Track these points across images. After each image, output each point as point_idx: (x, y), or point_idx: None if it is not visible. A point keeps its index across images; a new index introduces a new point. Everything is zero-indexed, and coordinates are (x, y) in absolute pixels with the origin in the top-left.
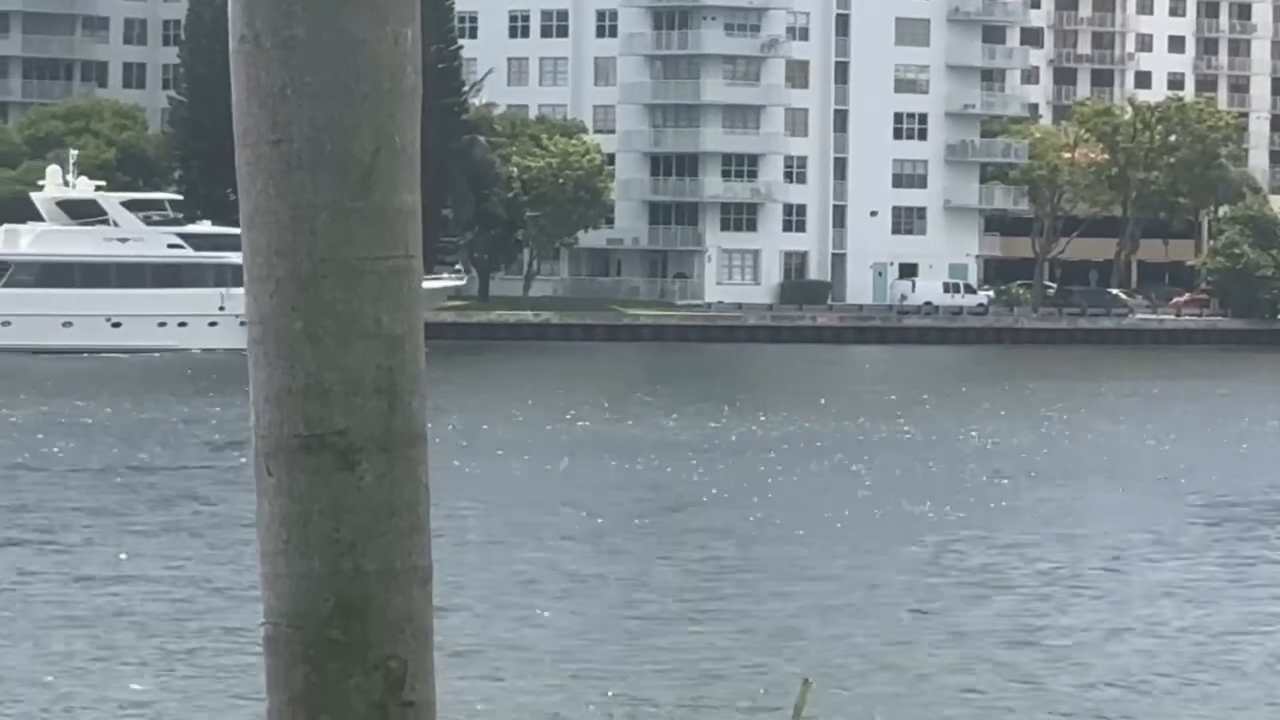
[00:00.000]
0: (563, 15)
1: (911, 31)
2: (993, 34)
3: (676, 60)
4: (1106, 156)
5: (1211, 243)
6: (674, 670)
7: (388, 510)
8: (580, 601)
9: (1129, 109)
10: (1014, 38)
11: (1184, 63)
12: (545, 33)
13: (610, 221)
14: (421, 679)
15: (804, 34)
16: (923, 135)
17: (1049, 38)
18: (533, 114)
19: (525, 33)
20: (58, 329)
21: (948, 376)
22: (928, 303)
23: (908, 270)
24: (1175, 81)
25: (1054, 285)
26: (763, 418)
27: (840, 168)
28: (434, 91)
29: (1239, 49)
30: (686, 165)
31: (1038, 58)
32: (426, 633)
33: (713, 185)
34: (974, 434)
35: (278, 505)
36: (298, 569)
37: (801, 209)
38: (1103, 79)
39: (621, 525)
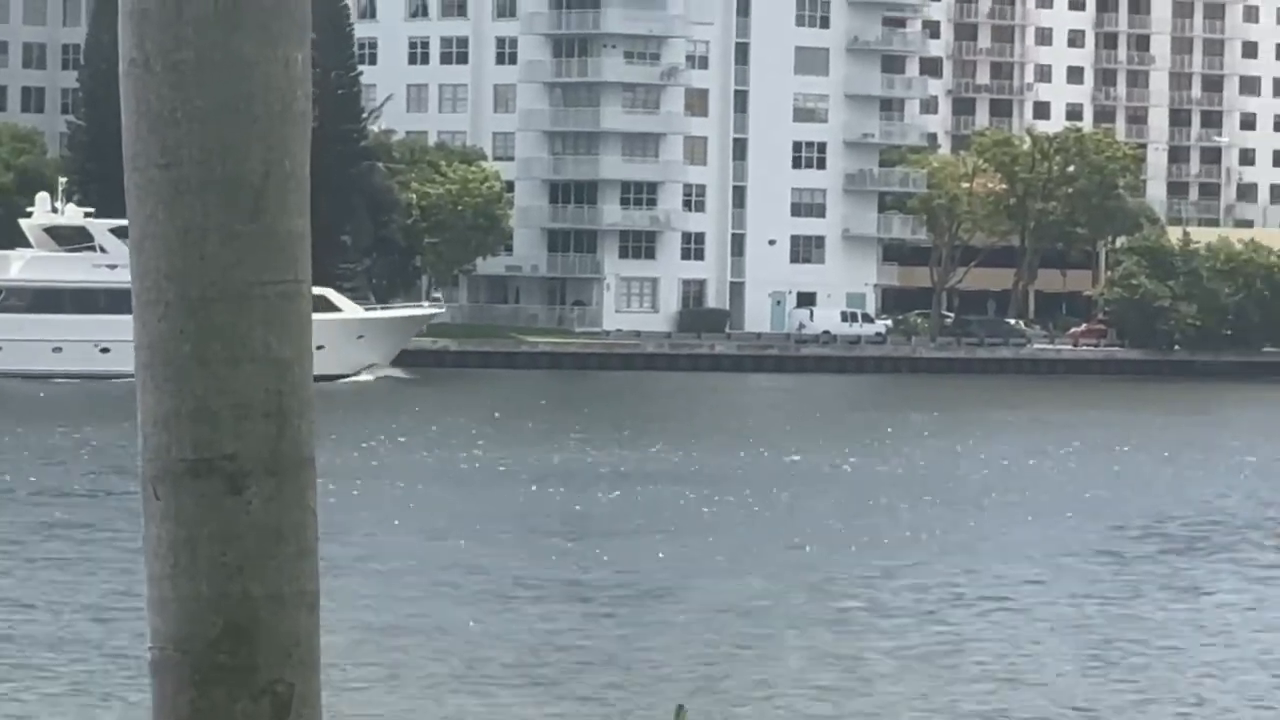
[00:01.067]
0: (463, 42)
1: (811, 61)
2: (892, 64)
3: (576, 88)
4: (1005, 186)
5: (1109, 273)
6: (554, 698)
7: (276, 535)
8: (461, 629)
9: (1027, 139)
10: (913, 68)
11: (1082, 94)
12: (445, 60)
13: (509, 249)
14: (308, 704)
15: (704, 62)
16: (821, 164)
17: (948, 68)
18: (432, 141)
19: (425, 59)
20: (48, 354)
21: (842, 405)
22: (825, 331)
23: (806, 299)
24: (1074, 112)
25: (951, 315)
26: (652, 447)
27: (739, 196)
28: (333, 117)
29: (1137, 80)
30: (585, 193)
31: (936, 87)
32: (314, 657)
33: (611, 213)
34: (852, 461)
35: (165, 529)
36: (185, 593)
37: (700, 237)
38: (1001, 109)
39: (500, 555)
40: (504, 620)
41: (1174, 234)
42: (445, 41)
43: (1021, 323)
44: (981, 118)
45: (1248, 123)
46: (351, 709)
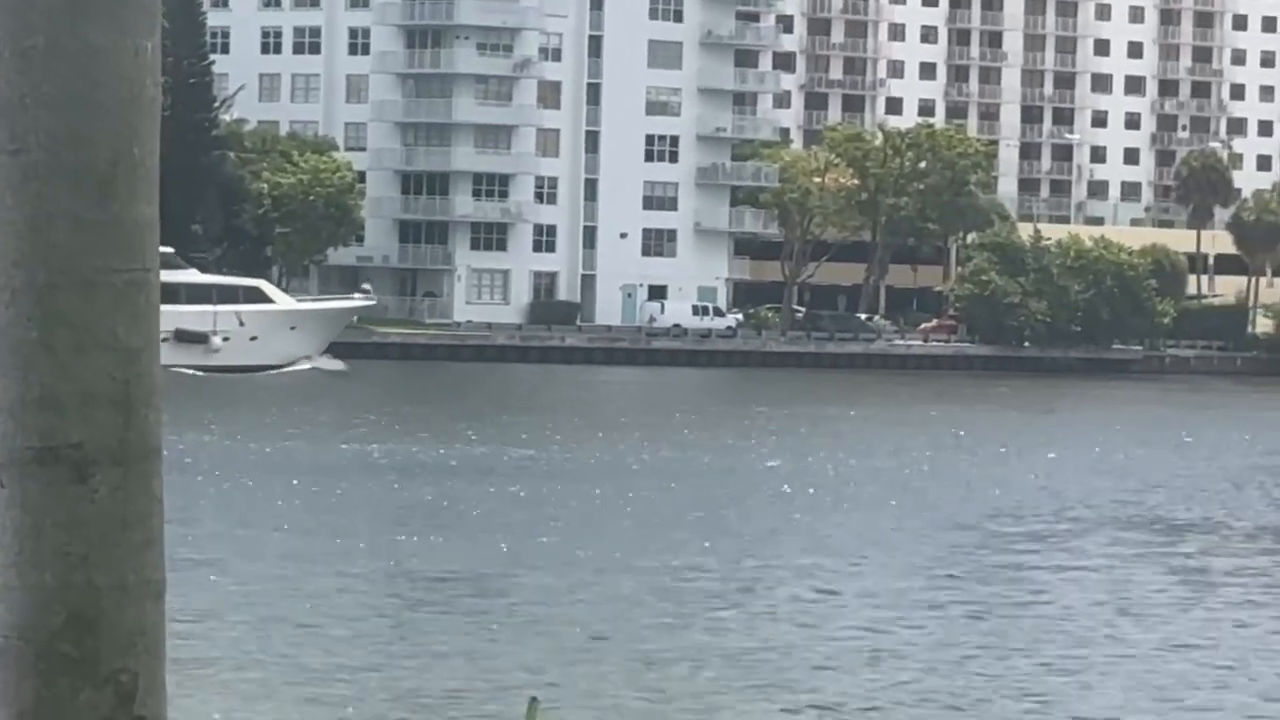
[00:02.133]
0: (315, 32)
1: (664, 54)
2: (745, 58)
3: (429, 79)
4: (856, 182)
5: (960, 269)
6: (403, 691)
7: (121, 524)
8: (303, 620)
9: (879, 135)
10: (766, 62)
11: (935, 89)
12: (298, 49)
13: (360, 239)
14: (153, 693)
15: (556, 55)
16: (674, 158)
17: (801, 63)
18: (284, 130)
19: (278, 49)
20: None
21: (691, 399)
22: (676, 325)
23: (657, 292)
24: (926, 108)
25: (802, 309)
26: (499, 440)
27: (591, 189)
28: (185, 106)
29: (989, 77)
30: (437, 184)
31: (789, 82)
32: (159, 647)
33: (463, 204)
34: (701, 456)
35: (10, 517)
36: (29, 581)
37: (552, 229)
38: (854, 104)
39: (337, 547)
40: (341, 615)
41: (1025, 230)
42: (298, 31)
43: (878, 317)
44: (834, 113)
45: (1099, 120)
46: (194, 700)
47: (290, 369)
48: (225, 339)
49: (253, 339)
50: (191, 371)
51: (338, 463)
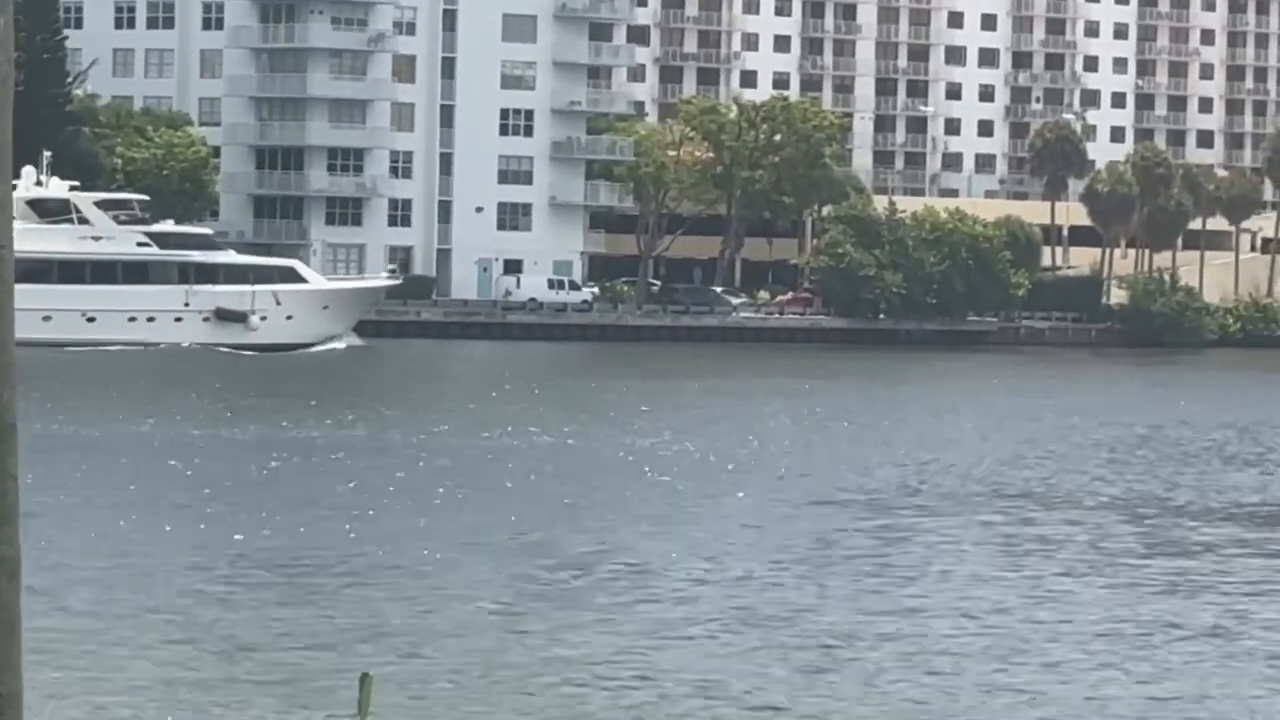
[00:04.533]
0: (169, 7)
1: (519, 28)
2: (600, 31)
3: (283, 54)
4: (711, 155)
5: (815, 242)
6: (249, 667)
7: None
8: (157, 597)
9: (734, 108)
10: (620, 35)
11: (789, 62)
12: (151, 24)
13: (215, 214)
14: (8, 669)
15: (411, 29)
16: (529, 131)
17: (655, 36)
18: (138, 105)
19: (131, 24)
20: (38, 323)
21: (548, 373)
22: (532, 299)
23: (512, 266)
24: (780, 81)
25: (658, 283)
26: (350, 419)
27: (446, 163)
28: (38, 82)
29: (844, 49)
30: (292, 159)
31: (644, 55)
32: (14, 624)
33: (318, 179)
34: (558, 432)
35: None
36: None
37: (407, 204)
38: (709, 77)
39: (178, 531)
40: (180, 595)
41: (880, 203)
42: (151, 6)
43: (744, 293)
44: (689, 86)
45: (953, 92)
46: (53, 673)
47: (323, 347)
48: (263, 318)
49: (288, 318)
50: (229, 350)
51: (201, 444)
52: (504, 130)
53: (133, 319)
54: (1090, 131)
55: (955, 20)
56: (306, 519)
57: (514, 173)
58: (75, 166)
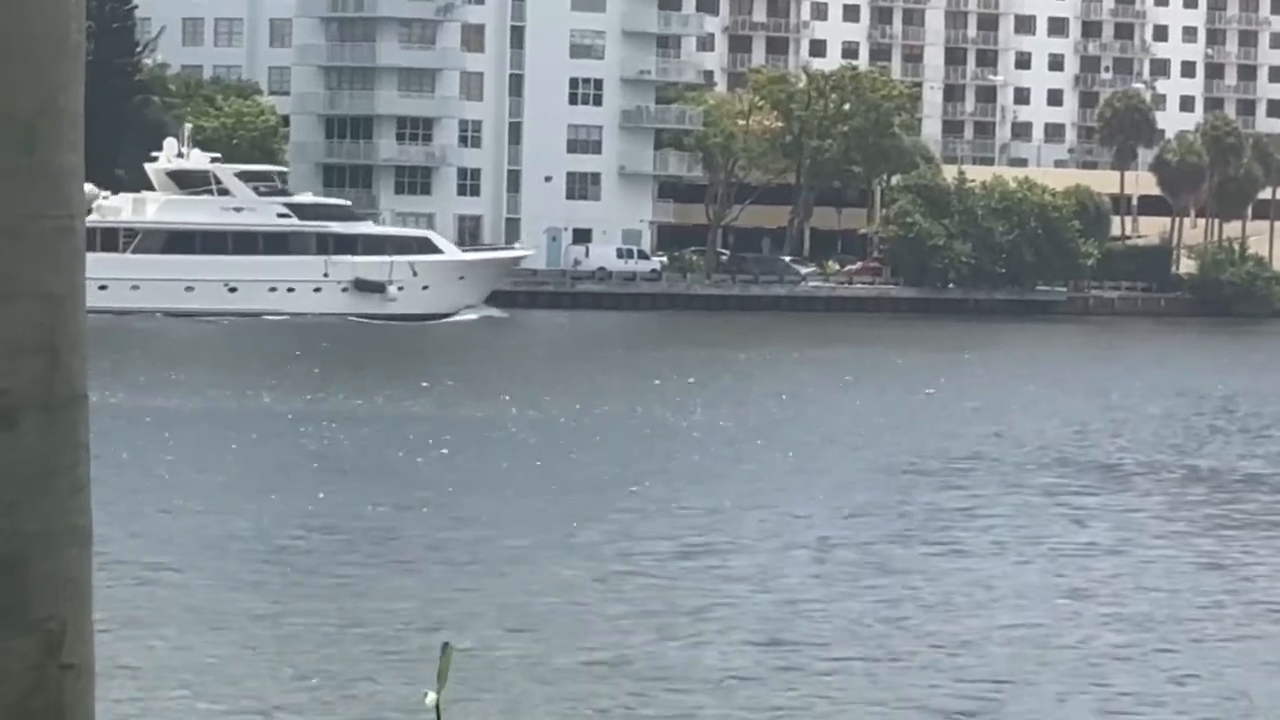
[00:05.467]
0: None
1: None
2: (669, 1)
3: (352, 23)
4: (780, 124)
5: (884, 211)
6: (325, 640)
7: (48, 470)
8: (234, 568)
9: (804, 77)
10: (690, 4)
11: (858, 31)
12: None
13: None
14: (80, 641)
15: None
16: (598, 101)
17: (725, 5)
18: (207, 75)
19: None
20: (181, 293)
21: (617, 343)
22: (601, 268)
23: (581, 236)
24: (850, 50)
25: (727, 252)
26: (419, 394)
27: (515, 132)
28: (107, 51)
29: (913, 18)
30: (361, 128)
31: (713, 25)
32: (86, 594)
33: (387, 148)
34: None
35: None
36: None
37: (476, 173)
38: (778, 47)
39: (263, 498)
40: (265, 562)
41: (949, 172)
42: None
43: (816, 263)
44: (758, 55)
45: (1023, 62)
46: (125, 644)
47: (458, 318)
48: (400, 288)
49: (425, 288)
50: (366, 320)
51: (283, 416)
52: (573, 99)
53: (273, 289)
54: (1160, 101)
55: None
56: (392, 490)
57: (583, 142)
58: (144, 136)
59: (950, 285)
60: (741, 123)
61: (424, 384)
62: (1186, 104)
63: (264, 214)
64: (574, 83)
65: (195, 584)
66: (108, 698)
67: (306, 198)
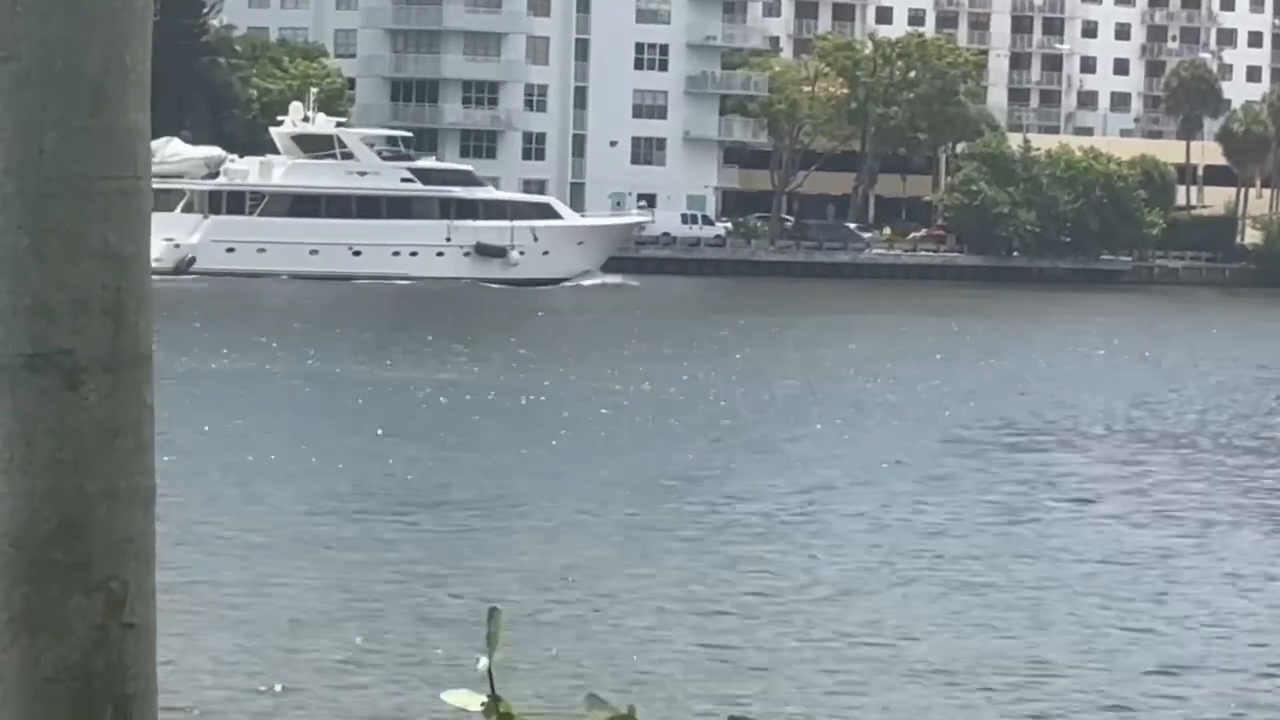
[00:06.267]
0: None
1: None
2: None
3: None
4: (846, 91)
5: (949, 179)
6: (376, 607)
7: (112, 430)
8: (292, 531)
9: (869, 44)
10: None
11: None
12: None
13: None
14: (143, 601)
15: None
16: (663, 66)
17: None
18: (273, 37)
19: None
20: (306, 256)
21: (681, 309)
22: (665, 233)
23: (646, 200)
24: (916, 17)
25: (791, 219)
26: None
27: (580, 97)
28: (174, 12)
29: None
30: (427, 91)
31: None
32: (149, 554)
33: (453, 112)
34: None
35: (1, 424)
36: (20, 488)
37: (541, 137)
38: (844, 14)
39: (329, 464)
40: (329, 524)
41: (1014, 141)
42: None
43: (888, 229)
44: (824, 22)
45: (1089, 30)
46: (186, 607)
47: (576, 282)
48: (521, 253)
49: (545, 253)
50: (485, 283)
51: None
52: (639, 65)
53: (396, 253)
54: (1226, 71)
55: None
56: (462, 455)
57: (648, 107)
58: (210, 97)
59: (1014, 253)
60: (807, 89)
61: (522, 350)
62: (1253, 74)
63: (388, 178)
64: (639, 48)
65: (261, 542)
66: (162, 658)
67: (430, 162)
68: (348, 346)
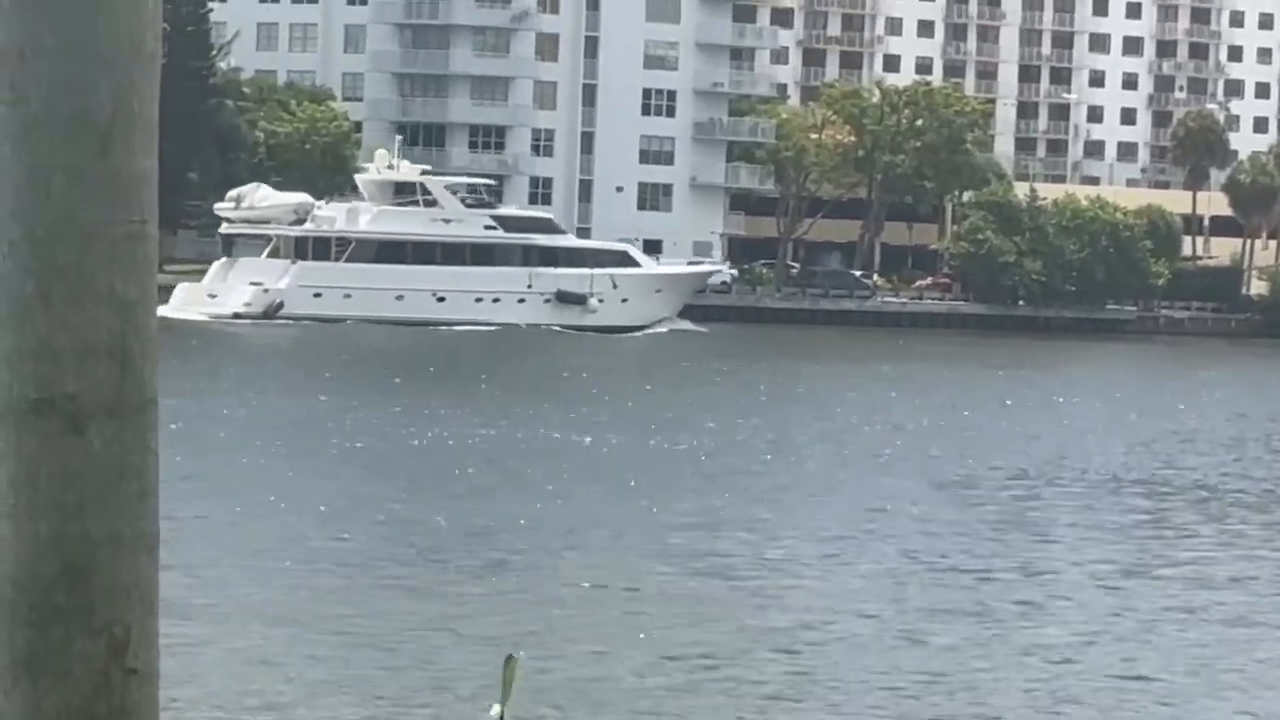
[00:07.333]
0: None
1: (662, 8)
2: (743, 13)
3: (426, 30)
4: (853, 138)
5: (955, 227)
6: (387, 646)
7: (116, 475)
8: (301, 573)
9: (877, 92)
10: (764, 17)
11: (933, 47)
12: None
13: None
14: (145, 646)
15: (554, 6)
16: (671, 112)
17: (799, 18)
18: (281, 80)
19: None
20: (391, 302)
21: (687, 357)
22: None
23: (652, 247)
24: (923, 66)
25: (797, 265)
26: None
27: (587, 142)
28: (182, 54)
29: (987, 35)
30: (434, 135)
31: (787, 38)
32: (152, 599)
33: (460, 156)
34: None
35: (5, 467)
36: (24, 532)
37: (548, 182)
38: (851, 61)
39: (341, 507)
40: (344, 560)
41: (1021, 189)
42: None
43: (881, 277)
44: (831, 69)
45: (1096, 80)
46: (189, 650)
47: (653, 330)
48: (600, 300)
49: (624, 301)
50: (565, 330)
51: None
52: (646, 110)
53: (479, 300)
54: (1233, 121)
55: (1100, 8)
56: (484, 501)
57: (655, 153)
58: (217, 140)
59: (1020, 302)
60: (814, 136)
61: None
62: (1260, 125)
63: (471, 225)
64: (647, 93)
65: (277, 582)
66: (166, 699)
67: (511, 210)
68: (443, 390)
